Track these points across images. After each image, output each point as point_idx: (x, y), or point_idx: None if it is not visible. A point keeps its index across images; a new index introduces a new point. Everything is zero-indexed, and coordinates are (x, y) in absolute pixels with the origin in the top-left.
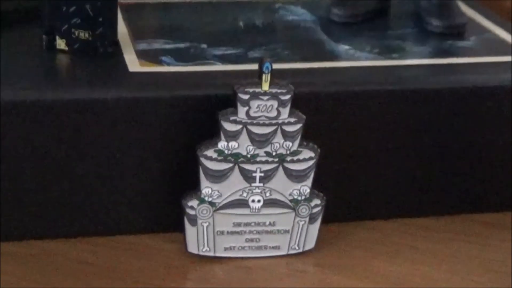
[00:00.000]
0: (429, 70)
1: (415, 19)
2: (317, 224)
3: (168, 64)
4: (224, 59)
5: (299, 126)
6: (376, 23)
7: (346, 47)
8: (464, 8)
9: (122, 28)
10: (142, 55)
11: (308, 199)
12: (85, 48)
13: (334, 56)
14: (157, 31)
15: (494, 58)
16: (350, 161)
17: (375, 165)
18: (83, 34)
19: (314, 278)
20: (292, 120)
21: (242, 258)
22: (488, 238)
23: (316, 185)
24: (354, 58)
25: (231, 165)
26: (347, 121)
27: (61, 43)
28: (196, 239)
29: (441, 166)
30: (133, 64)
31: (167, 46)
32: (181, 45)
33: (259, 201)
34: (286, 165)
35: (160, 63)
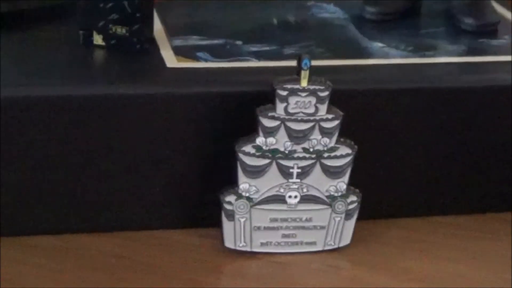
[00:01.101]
0: (463, 68)
1: (447, 18)
2: (353, 220)
3: (205, 60)
4: (259, 56)
5: (336, 122)
6: (408, 21)
7: (380, 44)
8: (497, 7)
9: (157, 24)
10: (179, 51)
11: (344, 196)
12: (122, 44)
13: (368, 54)
14: (191, 27)
15: None
16: (384, 158)
17: (409, 162)
18: (120, 30)
19: (348, 275)
20: (330, 116)
21: (278, 253)
22: None
23: (352, 182)
24: (389, 56)
25: (268, 161)
26: (382, 118)
27: (98, 39)
28: (233, 234)
29: (473, 165)
30: (171, 59)
31: (203, 42)
32: (216, 42)
33: (296, 197)
34: (323, 161)
35: (197, 59)
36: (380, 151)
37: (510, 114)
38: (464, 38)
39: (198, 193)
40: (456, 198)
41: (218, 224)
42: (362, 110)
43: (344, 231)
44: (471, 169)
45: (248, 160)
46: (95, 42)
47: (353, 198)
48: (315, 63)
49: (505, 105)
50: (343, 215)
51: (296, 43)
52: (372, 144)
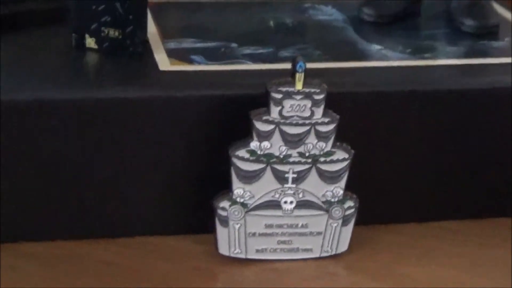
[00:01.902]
0: (462, 70)
1: (447, 19)
2: (350, 226)
3: (199, 63)
4: (254, 58)
5: (332, 126)
6: (407, 23)
7: (378, 46)
8: (499, 9)
9: (151, 27)
10: (172, 54)
11: (341, 201)
12: (115, 46)
13: (366, 56)
14: (186, 30)
15: None
16: (382, 163)
17: (407, 167)
18: (113, 33)
19: (345, 282)
20: (325, 120)
21: (273, 260)
22: None
23: (349, 187)
24: (387, 58)
25: (263, 165)
26: (380, 121)
27: (90, 42)
28: (228, 241)
29: (472, 170)
30: (164, 63)
31: (197, 45)
32: (211, 44)
33: (291, 202)
34: (319, 166)
35: (191, 62)
36: (378, 155)
37: (510, 116)
38: (464, 40)
39: (192, 198)
40: (455, 203)
41: (213, 230)
42: (360, 113)
43: (341, 237)
44: (470, 173)
45: (242, 165)
46: (87, 45)
47: (350, 203)
48: (312, 65)
49: (505, 107)
50: (340, 221)
51: (292, 46)
52: (370, 148)
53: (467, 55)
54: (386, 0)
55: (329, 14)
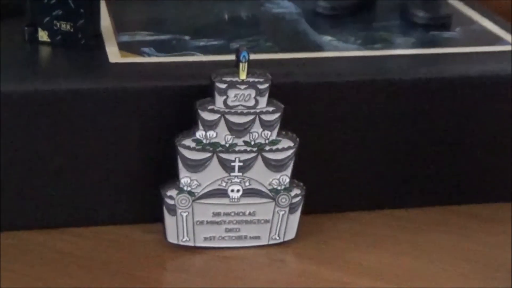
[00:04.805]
0: (412, 60)
1: (401, 11)
2: (297, 214)
3: (149, 55)
4: (205, 50)
5: (277, 115)
6: (362, 15)
7: (329, 38)
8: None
9: (105, 20)
10: (124, 47)
11: (287, 189)
12: (67, 39)
13: (316, 47)
14: (140, 23)
15: (479, 48)
16: (331, 152)
17: (355, 155)
18: (65, 26)
19: (294, 268)
20: (270, 109)
21: (222, 248)
22: (468, 229)
23: (296, 176)
24: (337, 49)
25: (209, 154)
26: (328, 111)
27: (43, 35)
28: (176, 229)
29: (422, 158)
30: (114, 55)
31: (150, 38)
32: (164, 37)
33: (238, 190)
34: (265, 154)
35: (141, 54)
36: (327, 144)
37: (461, 105)
38: (416, 31)
39: (142, 187)
40: (406, 191)
41: (161, 219)
42: (308, 103)
43: (288, 225)
44: (420, 161)
45: (188, 154)
46: (40, 39)
47: (296, 191)
48: (262, 56)
49: (455, 96)
50: (287, 209)
51: (245, 38)
52: (319, 137)
53: (417, 46)
54: None
55: (285, 6)
